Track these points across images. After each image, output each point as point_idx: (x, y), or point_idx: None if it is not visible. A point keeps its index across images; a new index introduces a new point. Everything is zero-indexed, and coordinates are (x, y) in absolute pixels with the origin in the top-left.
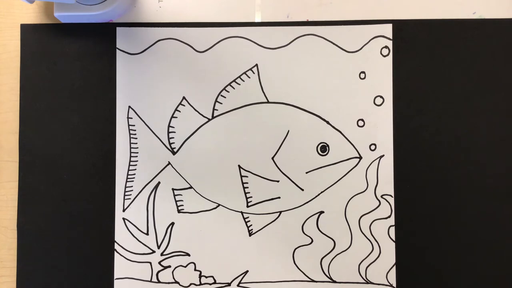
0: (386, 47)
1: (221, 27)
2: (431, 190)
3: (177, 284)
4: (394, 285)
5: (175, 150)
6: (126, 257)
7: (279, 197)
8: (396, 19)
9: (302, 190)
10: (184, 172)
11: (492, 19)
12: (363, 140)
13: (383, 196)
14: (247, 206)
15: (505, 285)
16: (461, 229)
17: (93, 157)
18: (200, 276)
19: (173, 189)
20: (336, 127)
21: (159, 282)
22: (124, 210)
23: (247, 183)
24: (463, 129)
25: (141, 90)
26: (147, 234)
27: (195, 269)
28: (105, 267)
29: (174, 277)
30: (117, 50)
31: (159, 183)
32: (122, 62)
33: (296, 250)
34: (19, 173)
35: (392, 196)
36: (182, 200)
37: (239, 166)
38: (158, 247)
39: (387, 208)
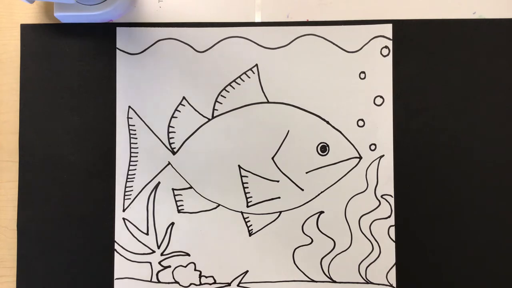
0: (386, 47)
1: (221, 27)
2: (431, 190)
3: (177, 284)
4: (394, 285)
5: (175, 150)
6: (126, 257)
7: (279, 197)
8: (396, 19)
9: (302, 190)
10: (184, 172)
11: (492, 19)
12: (363, 140)
13: (383, 196)
14: (247, 206)
15: (505, 285)
16: (461, 229)
17: (93, 157)
18: (200, 276)
19: (173, 189)
20: (336, 127)
21: (159, 282)
22: (124, 210)
23: (247, 183)
24: (463, 129)
25: (141, 90)
26: (147, 234)
27: (195, 269)
28: (105, 267)
29: (174, 277)
30: (117, 50)
31: (159, 183)
32: (122, 62)
33: (296, 250)
34: (19, 173)
35: (392, 196)
36: (182, 200)
37: (239, 166)
38: (158, 247)
39: (387, 208)
